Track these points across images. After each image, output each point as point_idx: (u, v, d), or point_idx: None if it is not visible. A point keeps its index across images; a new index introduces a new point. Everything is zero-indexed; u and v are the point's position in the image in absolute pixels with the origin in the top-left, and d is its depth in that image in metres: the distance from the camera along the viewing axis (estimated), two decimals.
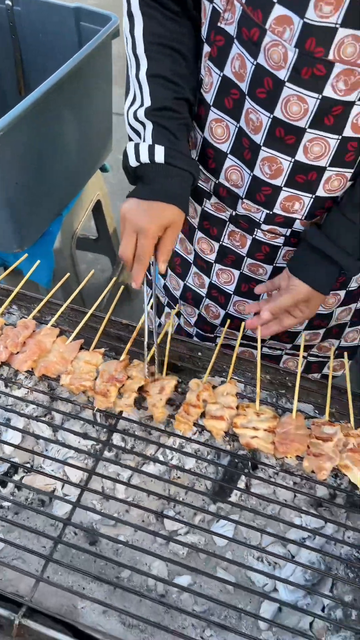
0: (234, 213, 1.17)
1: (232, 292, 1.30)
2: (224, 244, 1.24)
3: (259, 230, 1.15)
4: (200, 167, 1.15)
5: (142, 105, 1.04)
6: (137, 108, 1.05)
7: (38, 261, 1.28)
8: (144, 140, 1.04)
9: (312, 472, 0.98)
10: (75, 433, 1.08)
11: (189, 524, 0.99)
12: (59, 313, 1.18)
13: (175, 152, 1.02)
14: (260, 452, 1.03)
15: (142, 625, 0.96)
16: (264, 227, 1.14)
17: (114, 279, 1.32)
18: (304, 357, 1.36)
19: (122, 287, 1.24)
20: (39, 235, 1.84)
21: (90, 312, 1.19)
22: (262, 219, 1.13)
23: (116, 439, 1.14)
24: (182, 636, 0.87)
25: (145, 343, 1.10)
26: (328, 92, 0.89)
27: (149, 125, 1.03)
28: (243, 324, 1.18)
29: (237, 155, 1.07)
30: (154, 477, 1.04)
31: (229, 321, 1.25)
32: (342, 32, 0.82)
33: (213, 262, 1.29)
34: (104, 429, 1.12)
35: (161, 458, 1.13)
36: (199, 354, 1.19)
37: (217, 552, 1.05)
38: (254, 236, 1.17)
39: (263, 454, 1.10)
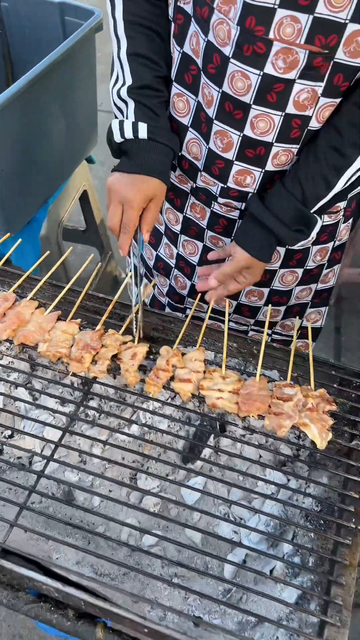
0: (194, 185, 1.23)
1: (196, 264, 1.36)
2: (187, 215, 1.31)
3: (215, 204, 1.22)
4: None
5: (124, 84, 1.11)
6: (120, 87, 1.12)
7: (19, 239, 1.35)
8: (127, 118, 1.11)
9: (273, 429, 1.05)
10: (53, 396, 1.14)
11: (162, 477, 1.05)
12: (38, 285, 1.24)
13: (157, 128, 1.09)
14: (225, 412, 1.09)
15: (113, 574, 1.02)
16: (220, 200, 1.20)
17: (99, 264, 1.38)
18: (268, 334, 1.42)
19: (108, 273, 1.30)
20: (26, 221, 1.91)
21: (69, 285, 1.25)
22: (217, 192, 1.19)
23: (92, 404, 1.21)
24: (150, 576, 0.92)
25: (134, 307, 1.16)
26: (269, 69, 0.95)
27: (131, 103, 1.10)
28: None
29: (196, 128, 1.14)
30: (131, 436, 1.09)
31: (199, 295, 1.31)
32: (280, 13, 0.89)
33: (179, 232, 1.35)
34: (80, 393, 1.17)
35: (134, 426, 1.19)
36: (172, 325, 1.26)
37: (186, 516, 1.11)
38: (211, 209, 1.24)
39: (230, 417, 1.16)
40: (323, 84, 0.97)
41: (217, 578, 0.94)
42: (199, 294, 1.27)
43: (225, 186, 1.16)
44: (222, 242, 1.29)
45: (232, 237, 1.20)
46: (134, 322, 1.17)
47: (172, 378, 1.12)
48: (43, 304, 1.24)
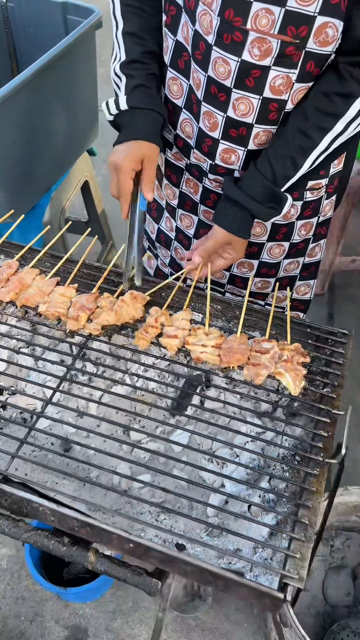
0: (188, 162, 1.34)
1: (192, 236, 1.47)
2: (182, 190, 1.42)
3: (206, 179, 1.32)
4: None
5: (119, 60, 1.23)
6: (116, 64, 1.24)
7: (22, 215, 1.46)
8: (120, 93, 1.22)
9: (251, 379, 1.15)
10: (49, 361, 1.24)
11: (150, 434, 1.14)
12: (40, 254, 1.35)
13: (135, 96, 1.20)
14: (208, 364, 1.19)
15: (105, 510, 1.12)
16: (210, 176, 1.31)
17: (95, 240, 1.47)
18: (260, 305, 1.52)
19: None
20: (30, 207, 2.02)
21: (67, 255, 1.36)
22: (207, 169, 1.29)
23: (89, 366, 1.31)
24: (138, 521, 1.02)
25: (129, 261, 1.28)
26: (246, 56, 1.06)
27: (123, 78, 1.22)
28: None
29: (188, 109, 1.25)
30: (123, 396, 1.19)
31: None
32: (256, 5, 1.00)
33: (176, 207, 1.46)
34: (76, 346, 1.27)
35: (128, 380, 1.29)
36: (162, 291, 1.36)
37: (174, 457, 1.21)
38: (203, 184, 1.35)
39: (214, 375, 1.26)
40: (297, 71, 1.08)
41: (200, 521, 1.01)
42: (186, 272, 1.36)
43: (214, 163, 1.26)
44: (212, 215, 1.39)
45: (212, 218, 1.29)
46: (127, 274, 1.27)
47: (160, 335, 1.22)
48: (43, 272, 1.34)
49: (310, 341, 1.24)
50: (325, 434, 1.06)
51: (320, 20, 0.99)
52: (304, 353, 1.17)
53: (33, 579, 1.96)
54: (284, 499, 1.07)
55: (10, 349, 1.26)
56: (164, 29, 1.21)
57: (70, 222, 1.48)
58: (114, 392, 1.20)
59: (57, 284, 1.31)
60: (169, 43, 1.21)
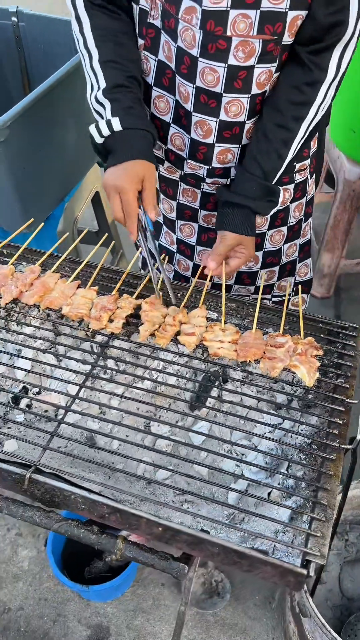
0: (182, 173, 1.40)
1: (194, 244, 1.53)
2: (180, 201, 1.47)
3: (204, 184, 1.39)
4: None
5: (99, 88, 1.23)
6: (95, 92, 1.24)
7: (42, 223, 1.52)
8: (103, 118, 1.22)
9: (267, 371, 1.20)
10: (73, 358, 1.30)
11: (171, 424, 1.19)
12: (61, 259, 1.42)
13: (129, 117, 1.21)
14: (225, 358, 1.25)
15: (132, 499, 1.17)
16: (208, 180, 1.37)
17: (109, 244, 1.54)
18: (267, 299, 1.58)
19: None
20: (44, 218, 2.09)
21: (87, 260, 1.43)
22: (204, 174, 1.36)
23: (110, 363, 1.37)
24: (164, 505, 1.07)
25: (155, 280, 1.32)
26: (232, 61, 1.13)
27: (107, 104, 1.22)
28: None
29: (177, 123, 1.31)
30: (144, 390, 1.25)
31: (199, 273, 1.46)
32: (233, 13, 1.07)
33: (175, 219, 1.51)
34: (98, 345, 1.33)
35: (148, 376, 1.35)
36: (178, 293, 1.42)
37: (194, 456, 1.26)
38: (202, 190, 1.41)
39: (232, 369, 1.32)
40: (276, 64, 1.17)
41: (222, 503, 1.07)
42: (199, 272, 1.41)
43: (211, 167, 1.33)
44: (214, 218, 1.46)
45: (216, 227, 1.34)
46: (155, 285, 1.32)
47: (178, 333, 1.28)
48: (64, 276, 1.41)
49: (322, 335, 1.29)
50: (340, 422, 1.11)
51: (291, 14, 1.08)
52: (317, 346, 1.22)
53: (56, 578, 2.00)
54: (303, 485, 1.12)
55: (35, 349, 1.32)
56: (144, 52, 1.26)
57: (86, 230, 1.54)
58: (136, 387, 1.26)
59: (78, 287, 1.37)
60: (150, 64, 1.27)
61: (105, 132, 1.22)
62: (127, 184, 1.20)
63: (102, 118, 1.23)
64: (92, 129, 1.25)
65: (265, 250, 1.51)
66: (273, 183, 1.27)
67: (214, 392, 1.32)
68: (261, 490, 1.18)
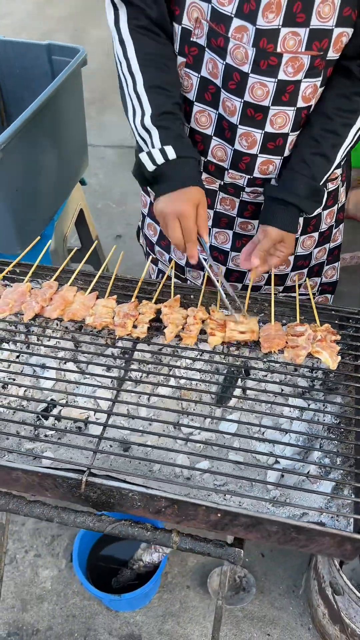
0: (222, 183, 1.46)
1: (229, 249, 1.59)
2: (217, 210, 1.53)
3: (244, 193, 1.45)
4: None
5: (144, 114, 1.26)
6: (141, 118, 1.27)
7: (38, 237, 1.57)
8: (153, 146, 1.26)
9: (291, 360, 1.27)
10: (99, 364, 1.34)
11: (200, 427, 1.24)
12: (75, 273, 1.46)
13: (181, 146, 1.27)
14: (245, 351, 1.30)
15: (180, 491, 1.20)
16: (247, 189, 1.44)
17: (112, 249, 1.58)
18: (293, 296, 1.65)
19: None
20: (37, 236, 2.11)
21: (100, 272, 1.47)
22: (245, 184, 1.42)
23: (134, 368, 1.40)
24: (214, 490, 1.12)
25: (223, 294, 1.35)
26: (281, 76, 1.21)
27: (154, 131, 1.25)
28: (248, 273, 1.45)
29: (219, 135, 1.37)
30: (167, 397, 1.30)
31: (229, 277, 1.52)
32: (284, 31, 1.16)
33: (210, 227, 1.57)
34: (122, 361, 1.37)
35: (172, 381, 1.39)
36: (192, 295, 1.48)
37: (226, 444, 1.31)
38: (240, 198, 1.47)
39: (253, 362, 1.38)
40: (321, 78, 1.25)
41: (266, 482, 1.13)
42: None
43: (252, 177, 1.40)
44: (250, 225, 1.52)
45: (259, 222, 1.39)
46: (218, 301, 1.38)
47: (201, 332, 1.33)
48: (81, 288, 1.44)
49: (336, 322, 1.37)
50: None
51: (337, 31, 1.17)
52: (334, 332, 1.29)
53: (82, 594, 2.01)
54: (338, 462, 1.19)
55: (61, 359, 1.35)
56: (184, 70, 1.32)
57: (75, 249, 1.59)
58: (160, 395, 1.30)
59: (97, 297, 1.41)
60: (192, 81, 1.32)
61: (160, 160, 1.26)
62: (188, 209, 1.25)
63: (147, 144, 1.28)
64: (144, 156, 1.28)
65: (297, 254, 1.59)
66: (320, 184, 1.34)
67: (239, 384, 1.38)
68: (296, 476, 1.23)
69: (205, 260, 1.33)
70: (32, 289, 1.44)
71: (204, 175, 1.48)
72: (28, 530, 2.19)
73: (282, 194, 1.35)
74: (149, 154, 1.27)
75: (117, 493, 1.07)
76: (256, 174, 1.39)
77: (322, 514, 1.13)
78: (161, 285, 1.43)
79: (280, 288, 1.66)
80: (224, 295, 1.33)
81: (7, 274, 1.48)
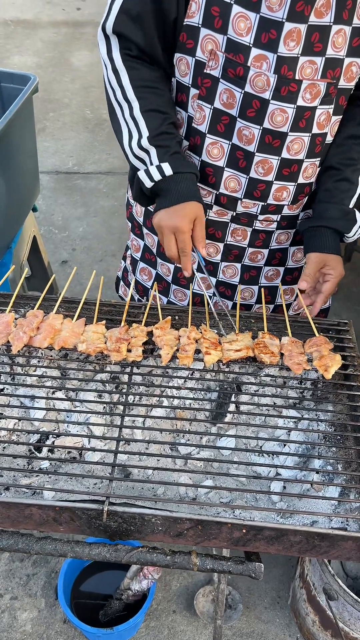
0: (234, 214, 1.48)
1: (237, 283, 1.60)
2: (227, 242, 1.54)
3: (256, 222, 1.48)
4: (200, 184, 1.43)
5: (141, 136, 1.31)
6: (138, 140, 1.31)
7: (13, 266, 1.53)
8: (150, 164, 1.31)
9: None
10: (90, 392, 1.32)
11: (199, 445, 1.25)
12: (58, 301, 1.43)
13: (178, 163, 1.31)
14: (235, 367, 1.33)
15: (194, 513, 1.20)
16: (260, 217, 1.47)
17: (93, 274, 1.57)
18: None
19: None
20: None
21: (84, 298, 1.45)
22: (258, 211, 1.45)
23: (125, 393, 1.39)
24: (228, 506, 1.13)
25: (215, 312, 1.40)
26: (300, 102, 1.26)
27: (152, 150, 1.30)
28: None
29: (232, 166, 1.39)
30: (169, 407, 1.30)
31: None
32: (302, 59, 1.21)
33: (219, 261, 1.58)
34: (113, 378, 1.35)
35: (166, 401, 1.39)
36: (181, 315, 1.49)
37: (226, 460, 1.32)
38: (253, 227, 1.49)
39: (244, 377, 1.40)
40: (333, 106, 1.32)
41: (272, 493, 1.15)
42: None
43: (265, 204, 1.43)
44: (260, 255, 1.55)
45: (304, 251, 1.44)
46: (215, 318, 1.40)
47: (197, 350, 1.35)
48: (66, 315, 1.42)
49: (321, 334, 1.42)
50: None
51: (347, 61, 1.25)
52: (328, 342, 1.35)
53: (65, 633, 1.93)
54: (340, 468, 1.23)
55: (51, 387, 1.32)
56: (196, 102, 1.34)
57: (25, 272, 1.57)
58: (155, 416, 1.30)
59: (85, 323, 1.39)
60: (205, 112, 1.34)
61: (157, 177, 1.30)
62: (183, 224, 1.29)
63: (146, 164, 1.32)
64: (142, 174, 1.32)
65: (287, 266, 1.64)
66: (350, 207, 1.40)
67: (232, 400, 1.40)
68: (300, 485, 1.27)
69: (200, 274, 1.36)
70: (15, 318, 1.40)
71: (216, 208, 1.48)
72: (1, 572, 2.09)
73: (315, 222, 1.42)
74: (147, 172, 1.31)
75: (139, 520, 1.06)
76: (270, 201, 1.43)
77: (332, 519, 1.17)
78: (147, 308, 1.43)
79: (271, 306, 1.70)
80: (214, 313, 1.36)
81: None
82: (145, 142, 1.31)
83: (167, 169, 1.30)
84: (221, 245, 1.56)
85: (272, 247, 1.55)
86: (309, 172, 1.41)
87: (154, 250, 1.65)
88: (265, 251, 1.56)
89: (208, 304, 1.43)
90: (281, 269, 1.61)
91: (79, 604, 1.94)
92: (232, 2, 1.20)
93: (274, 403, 1.40)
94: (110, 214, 3.74)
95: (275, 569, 2.13)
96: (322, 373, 1.28)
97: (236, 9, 1.20)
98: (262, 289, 1.58)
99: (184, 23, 1.26)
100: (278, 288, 1.63)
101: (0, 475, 1.24)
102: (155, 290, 1.49)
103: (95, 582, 2.01)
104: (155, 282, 1.65)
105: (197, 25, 1.25)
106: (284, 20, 1.18)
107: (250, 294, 1.63)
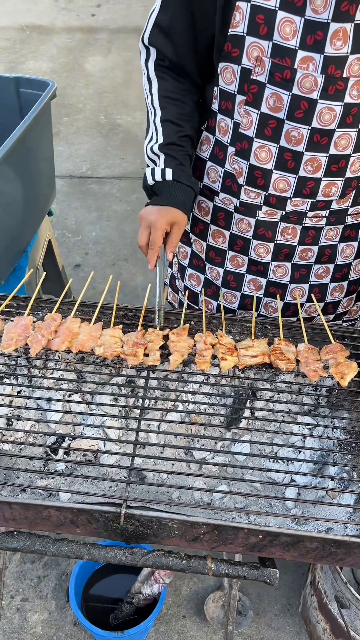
0: (283, 213, 1.49)
1: (288, 282, 1.62)
2: (278, 242, 1.55)
3: (306, 219, 1.49)
4: (249, 187, 1.47)
5: (156, 142, 1.42)
6: (153, 144, 1.43)
7: (31, 270, 1.54)
8: (157, 165, 1.41)
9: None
10: (106, 394, 1.33)
11: (214, 450, 1.25)
12: (76, 306, 1.44)
13: (180, 172, 1.40)
14: (253, 371, 1.34)
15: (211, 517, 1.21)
16: (310, 214, 1.48)
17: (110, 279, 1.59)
18: (339, 324, 1.70)
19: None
20: (12, 269, 2.08)
21: (101, 301, 1.46)
22: (307, 208, 1.46)
23: (141, 397, 1.40)
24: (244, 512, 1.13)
25: (156, 303, 1.43)
26: (347, 99, 1.28)
27: (162, 156, 1.41)
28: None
29: (281, 168, 1.41)
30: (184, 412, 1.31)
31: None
32: (351, 58, 1.23)
33: (269, 261, 1.59)
34: (129, 382, 1.36)
35: (181, 406, 1.40)
36: (192, 320, 1.50)
37: (240, 465, 1.33)
38: (303, 225, 1.51)
39: (260, 384, 1.41)
40: None
41: (288, 499, 1.16)
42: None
43: (315, 200, 1.45)
44: (310, 253, 1.56)
45: None
46: (156, 316, 1.44)
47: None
48: (84, 319, 1.43)
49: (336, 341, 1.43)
50: None
51: None
52: (344, 350, 1.35)
53: (75, 635, 1.94)
54: (355, 475, 1.23)
55: (67, 390, 1.33)
56: (243, 108, 1.37)
57: (44, 275, 1.59)
58: (170, 420, 1.31)
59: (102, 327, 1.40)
60: (252, 117, 1.37)
61: (158, 177, 1.41)
62: (160, 223, 1.35)
63: (156, 165, 1.43)
64: (148, 172, 1.43)
65: (350, 279, 1.66)
66: None
67: (247, 406, 1.41)
68: (315, 492, 1.27)
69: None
70: (34, 321, 1.41)
71: (264, 209, 1.50)
72: (12, 573, 2.10)
73: None
74: (152, 170, 1.41)
75: (155, 523, 1.06)
76: (319, 197, 1.45)
77: (348, 527, 1.17)
78: (158, 308, 1.44)
79: (331, 316, 1.71)
80: (157, 309, 1.43)
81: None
82: (156, 148, 1.42)
83: (169, 175, 1.40)
84: (271, 245, 1.57)
85: (321, 244, 1.56)
86: (356, 166, 1.42)
87: (203, 256, 1.68)
88: (315, 248, 1.56)
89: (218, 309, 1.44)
90: (331, 266, 1.62)
91: (89, 606, 1.94)
92: (277, 8, 1.23)
93: (289, 409, 1.41)
94: (123, 219, 3.76)
95: (286, 576, 2.13)
96: (338, 380, 1.29)
97: (281, 14, 1.23)
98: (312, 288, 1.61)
99: (229, 33, 1.30)
100: (328, 285, 1.64)
101: (17, 476, 1.26)
102: (166, 297, 1.51)
103: (105, 586, 2.01)
104: (166, 286, 1.67)
105: (242, 34, 1.28)
106: (329, 21, 1.20)
107: (301, 293, 1.64)
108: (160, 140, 1.41)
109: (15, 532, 1.14)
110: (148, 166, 1.45)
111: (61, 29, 6.28)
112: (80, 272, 3.30)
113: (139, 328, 1.40)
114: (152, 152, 1.43)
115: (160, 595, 1.83)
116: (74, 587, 1.83)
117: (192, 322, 1.49)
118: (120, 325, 1.41)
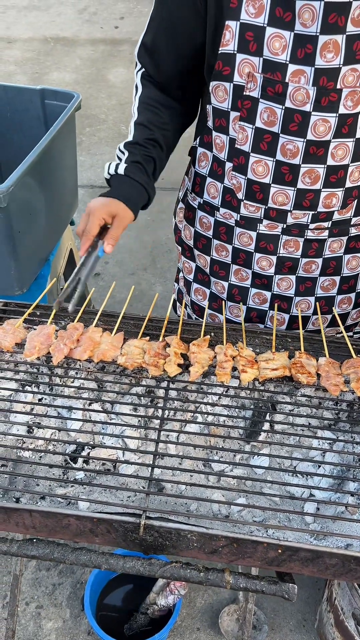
0: (284, 226, 1.49)
1: (293, 295, 1.61)
2: (280, 254, 1.55)
3: (308, 231, 1.49)
4: (248, 202, 1.47)
5: (126, 140, 1.47)
6: (123, 142, 1.47)
7: (54, 279, 1.56)
8: (118, 160, 1.45)
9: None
10: (125, 405, 1.34)
11: (233, 463, 1.26)
12: (98, 315, 1.46)
13: (134, 169, 1.42)
14: (272, 384, 1.34)
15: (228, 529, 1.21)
16: (311, 226, 1.48)
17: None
18: (349, 336, 1.68)
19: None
20: (34, 277, 2.10)
21: (122, 311, 1.48)
22: (309, 221, 1.47)
23: (161, 407, 1.41)
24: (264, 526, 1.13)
25: (67, 284, 1.40)
26: (342, 110, 1.28)
27: (126, 153, 1.44)
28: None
29: (279, 182, 1.41)
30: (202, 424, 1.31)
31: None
32: (344, 69, 1.23)
33: (273, 274, 1.59)
34: (149, 392, 1.37)
35: (200, 418, 1.40)
36: (212, 332, 1.50)
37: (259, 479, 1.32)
38: (305, 237, 1.50)
39: (280, 397, 1.41)
40: None
41: (307, 514, 1.15)
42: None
43: (316, 212, 1.45)
44: (314, 265, 1.56)
45: None
46: (63, 291, 1.40)
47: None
48: (105, 329, 1.45)
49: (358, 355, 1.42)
50: None
51: None
52: None
53: None
54: None
55: (87, 399, 1.35)
56: (238, 124, 1.37)
57: (66, 285, 1.59)
58: (189, 432, 1.31)
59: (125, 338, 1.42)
60: (247, 133, 1.37)
61: (112, 171, 1.44)
62: (98, 212, 1.36)
63: (121, 160, 1.46)
64: (106, 166, 1.47)
65: (357, 291, 1.66)
66: None
67: (267, 419, 1.40)
68: (334, 507, 1.26)
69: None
70: (56, 330, 1.43)
71: (265, 222, 1.50)
72: (27, 580, 2.11)
73: None
74: (109, 165, 1.45)
75: (175, 535, 1.06)
76: (320, 209, 1.44)
77: None
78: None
79: (340, 328, 1.68)
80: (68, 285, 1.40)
81: (27, 316, 1.47)
82: (122, 145, 1.46)
83: (121, 169, 1.42)
84: (274, 258, 1.56)
85: (325, 256, 1.55)
86: (356, 175, 1.41)
87: (207, 270, 1.68)
88: (319, 260, 1.56)
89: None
90: (337, 278, 1.61)
91: (103, 616, 1.94)
92: (266, 25, 1.24)
93: (309, 423, 1.40)
94: (143, 228, 3.79)
95: (302, 591, 2.11)
96: (359, 395, 1.28)
97: (270, 30, 1.24)
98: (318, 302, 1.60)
99: (219, 52, 1.30)
100: (335, 298, 1.63)
101: (37, 484, 1.27)
102: (184, 307, 1.51)
103: (119, 595, 2.01)
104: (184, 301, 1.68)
105: (232, 52, 1.29)
106: (317, 34, 1.21)
107: (307, 306, 1.63)
108: (129, 140, 1.46)
109: (34, 540, 1.15)
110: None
111: (85, 41, 6.37)
112: (99, 281, 3.33)
113: (161, 339, 1.41)
114: (119, 149, 1.47)
115: (175, 606, 1.83)
116: (89, 596, 1.83)
117: (212, 334, 1.50)
118: (147, 337, 1.42)
